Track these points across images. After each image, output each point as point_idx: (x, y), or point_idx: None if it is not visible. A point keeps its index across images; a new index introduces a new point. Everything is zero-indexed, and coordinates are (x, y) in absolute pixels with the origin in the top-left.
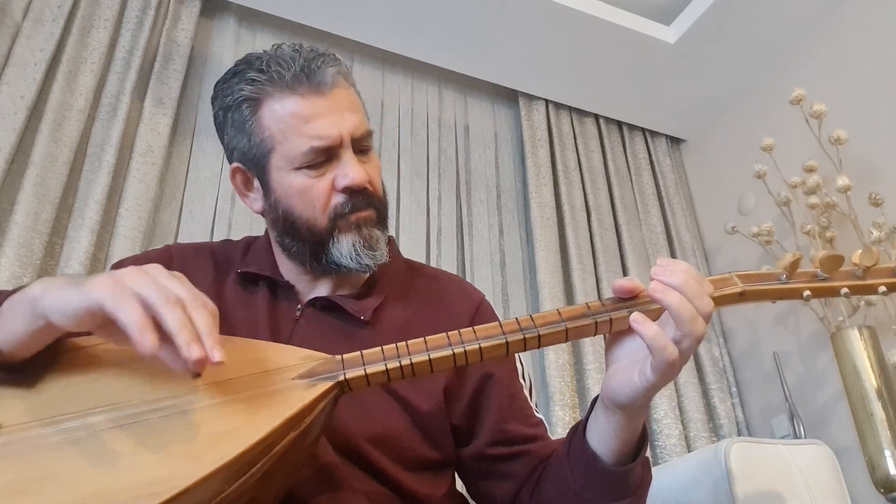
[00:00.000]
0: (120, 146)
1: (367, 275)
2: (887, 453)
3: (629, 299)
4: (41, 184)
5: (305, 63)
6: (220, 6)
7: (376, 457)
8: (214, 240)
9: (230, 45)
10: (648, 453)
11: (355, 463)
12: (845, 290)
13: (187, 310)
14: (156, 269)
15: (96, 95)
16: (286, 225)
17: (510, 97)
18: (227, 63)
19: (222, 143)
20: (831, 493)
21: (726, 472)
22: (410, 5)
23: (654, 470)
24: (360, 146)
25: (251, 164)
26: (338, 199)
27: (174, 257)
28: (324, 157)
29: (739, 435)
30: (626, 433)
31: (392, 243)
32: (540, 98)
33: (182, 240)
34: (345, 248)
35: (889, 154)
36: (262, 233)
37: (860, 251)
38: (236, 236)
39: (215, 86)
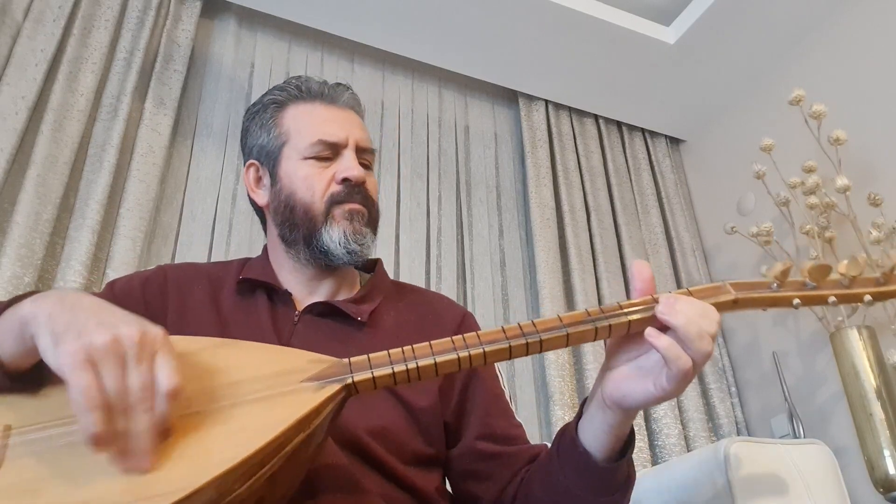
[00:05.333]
0: (121, 146)
1: (361, 277)
2: (886, 453)
3: (628, 306)
4: (42, 184)
5: (328, 86)
6: (221, 7)
7: (375, 449)
8: (215, 239)
9: (230, 45)
10: (648, 453)
11: (356, 454)
12: (833, 298)
13: (137, 413)
14: (129, 344)
15: (97, 96)
16: (286, 211)
17: (510, 97)
18: (227, 63)
19: (244, 150)
20: (830, 492)
21: (725, 472)
22: (410, 6)
23: (653, 469)
24: (363, 159)
25: (266, 158)
26: (336, 188)
27: (169, 278)
28: (330, 151)
29: (739, 435)
30: (619, 430)
31: (379, 264)
32: (540, 98)
33: (183, 240)
34: (335, 234)
35: (888, 154)
36: (260, 235)
37: (846, 262)
38: (236, 237)
39: (247, 110)
